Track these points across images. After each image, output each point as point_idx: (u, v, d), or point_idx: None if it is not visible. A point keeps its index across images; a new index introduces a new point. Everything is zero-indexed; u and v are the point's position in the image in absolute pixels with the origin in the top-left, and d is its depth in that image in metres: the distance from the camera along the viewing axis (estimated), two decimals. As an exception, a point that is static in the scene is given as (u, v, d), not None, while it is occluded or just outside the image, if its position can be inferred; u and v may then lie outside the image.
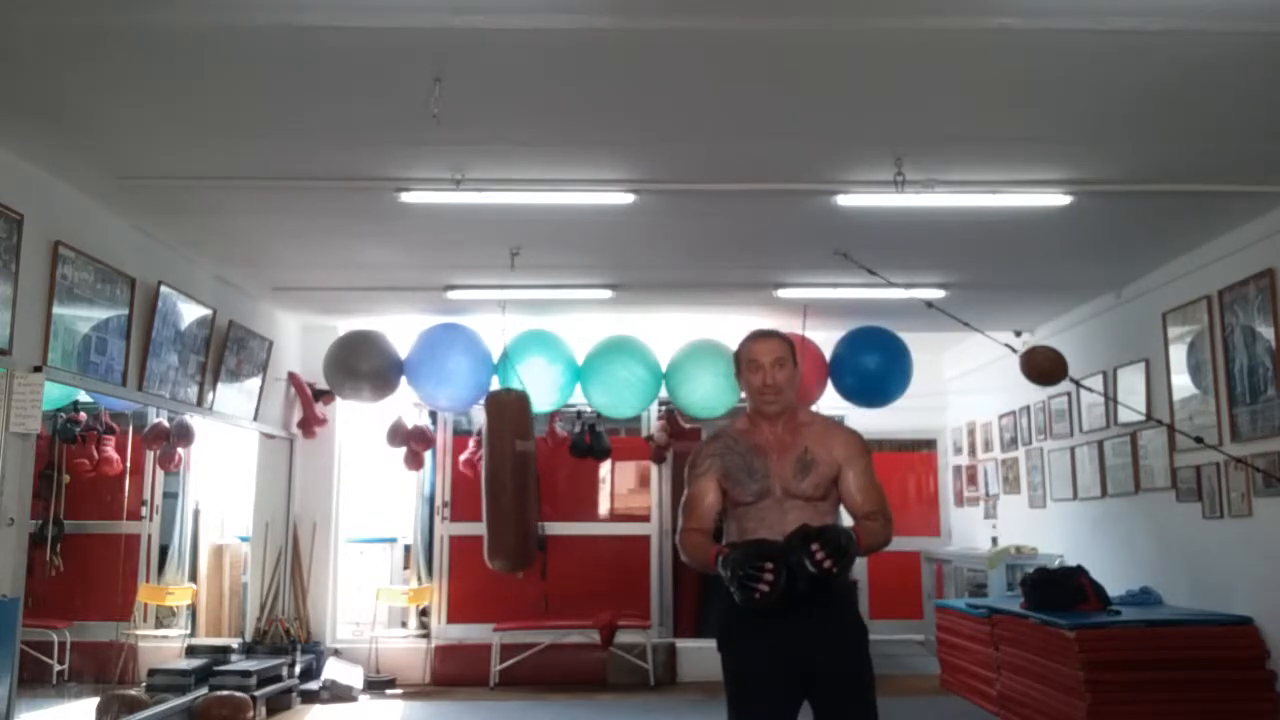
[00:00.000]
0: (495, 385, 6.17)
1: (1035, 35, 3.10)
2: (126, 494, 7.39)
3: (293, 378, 7.21)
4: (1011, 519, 7.66)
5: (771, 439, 2.87)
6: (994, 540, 7.68)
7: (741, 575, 2.54)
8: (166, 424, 7.09)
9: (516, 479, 5.64)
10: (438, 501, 7.88)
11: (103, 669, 6.76)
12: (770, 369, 2.86)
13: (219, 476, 7.92)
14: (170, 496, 7.72)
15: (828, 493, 2.84)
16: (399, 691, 7.04)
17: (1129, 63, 3.31)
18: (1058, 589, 5.41)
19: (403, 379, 6.26)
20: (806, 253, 5.49)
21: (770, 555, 2.55)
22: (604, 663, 7.23)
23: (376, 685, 7.05)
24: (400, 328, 6.61)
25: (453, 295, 6.26)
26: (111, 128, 3.87)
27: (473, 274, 5.96)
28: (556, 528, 7.72)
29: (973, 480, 8.41)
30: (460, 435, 7.88)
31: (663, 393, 6.50)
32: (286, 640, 6.83)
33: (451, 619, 7.64)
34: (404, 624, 8.02)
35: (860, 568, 8.03)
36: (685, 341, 6.49)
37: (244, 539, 7.56)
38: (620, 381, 6.26)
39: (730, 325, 6.79)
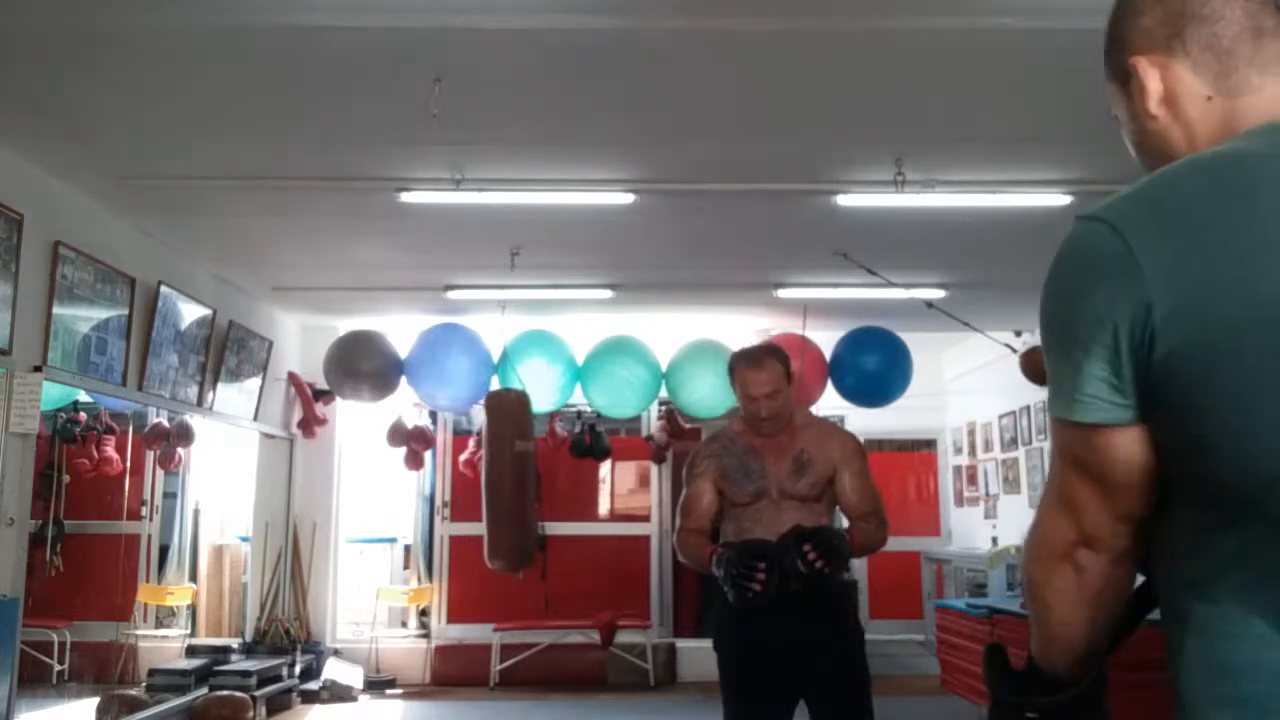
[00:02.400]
0: (495, 385, 6.17)
1: (1035, 35, 3.10)
2: (126, 494, 7.38)
3: (293, 378, 7.21)
4: (1011, 519, 7.66)
5: (768, 440, 2.89)
6: (994, 540, 7.68)
7: (735, 575, 2.56)
8: (166, 424, 7.09)
9: (515, 479, 5.65)
10: (438, 501, 7.87)
11: (103, 669, 6.76)
12: (764, 402, 2.86)
13: (219, 476, 7.92)
14: (170, 496, 7.72)
15: (823, 494, 2.85)
16: (399, 691, 7.04)
17: (1129, 63, 3.30)
18: (1058, 589, 5.40)
19: (403, 379, 6.26)
20: (806, 253, 5.49)
21: (763, 555, 2.58)
22: (604, 663, 7.23)
23: (376, 685, 7.05)
24: (400, 328, 6.61)
25: (453, 295, 6.26)
26: (111, 128, 3.87)
27: (473, 274, 5.96)
28: (556, 528, 7.72)
29: (973, 480, 8.41)
30: (460, 435, 7.88)
31: (663, 393, 6.51)
32: (286, 640, 6.82)
33: (451, 619, 7.63)
34: (404, 624, 8.02)
35: (860, 568, 8.06)
36: (685, 341, 6.50)
37: (244, 539, 7.56)
38: (620, 381, 6.26)
39: (730, 325, 6.80)
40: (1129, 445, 0.93)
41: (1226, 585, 0.88)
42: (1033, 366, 4.69)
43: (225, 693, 5.94)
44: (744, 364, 2.93)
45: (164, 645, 7.08)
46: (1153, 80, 1.00)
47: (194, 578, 7.63)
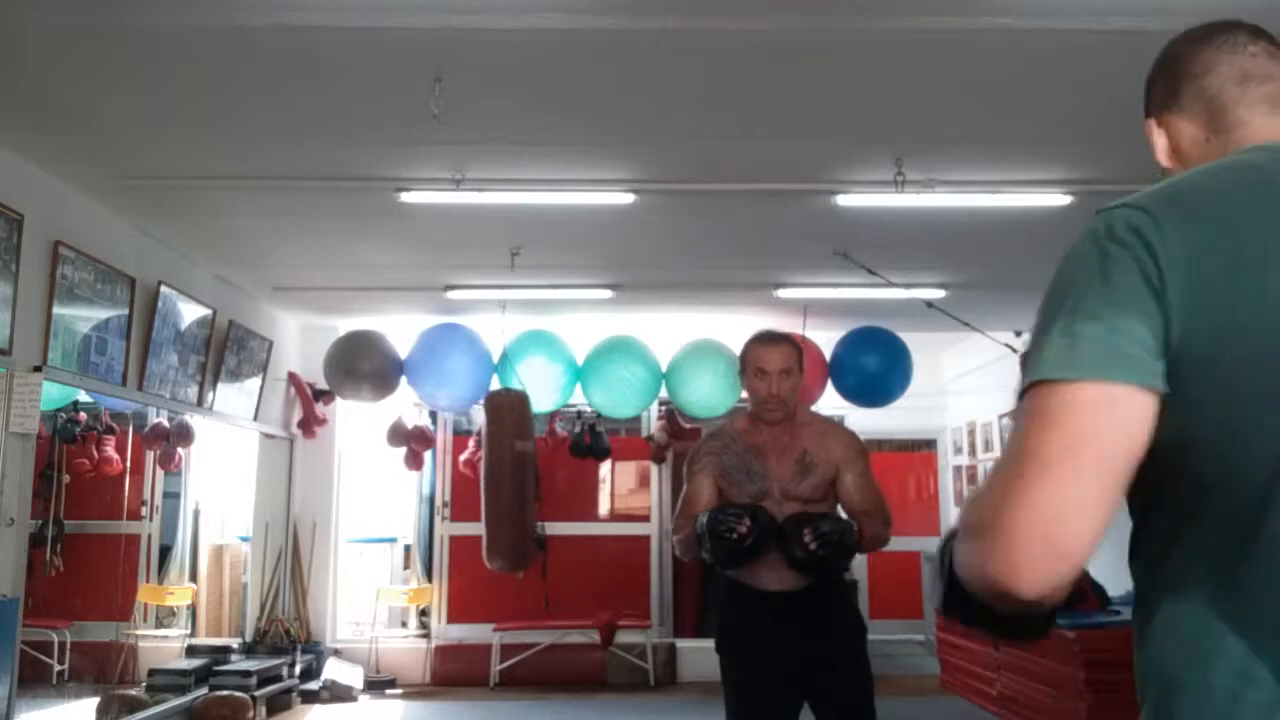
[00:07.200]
0: (495, 385, 6.18)
1: (1035, 35, 3.10)
2: (126, 494, 7.39)
3: (293, 378, 7.21)
4: (1011, 519, 7.64)
5: (770, 440, 2.88)
6: (994, 540, 7.67)
7: (720, 521, 2.67)
8: (166, 424, 7.09)
9: (515, 479, 5.66)
10: (438, 501, 7.87)
11: (103, 669, 6.76)
12: (776, 378, 2.86)
13: (219, 476, 7.92)
14: (170, 496, 7.72)
15: (826, 494, 2.86)
16: (399, 691, 7.04)
17: (1129, 63, 3.27)
18: (1058, 589, 5.41)
19: (403, 379, 6.26)
20: (806, 253, 5.49)
21: (747, 512, 2.69)
22: (604, 663, 7.23)
23: (376, 685, 7.05)
24: (400, 328, 6.61)
25: (453, 295, 6.26)
26: (111, 128, 3.87)
27: (473, 274, 5.96)
28: (556, 528, 7.71)
29: (973, 480, 8.41)
30: (460, 435, 7.88)
31: (663, 393, 6.51)
32: (286, 640, 6.83)
33: (451, 619, 7.63)
34: (404, 624, 8.02)
35: (860, 568, 8.06)
36: (685, 341, 6.50)
37: (244, 539, 7.56)
38: (620, 381, 6.27)
39: (730, 325, 6.78)
40: (1148, 416, 0.88)
41: (1195, 584, 0.93)
42: (1033, 366, 4.70)
43: (225, 693, 5.94)
44: (759, 342, 2.95)
45: (164, 645, 7.08)
46: (1159, 138, 1.15)
47: (194, 578, 7.63)
